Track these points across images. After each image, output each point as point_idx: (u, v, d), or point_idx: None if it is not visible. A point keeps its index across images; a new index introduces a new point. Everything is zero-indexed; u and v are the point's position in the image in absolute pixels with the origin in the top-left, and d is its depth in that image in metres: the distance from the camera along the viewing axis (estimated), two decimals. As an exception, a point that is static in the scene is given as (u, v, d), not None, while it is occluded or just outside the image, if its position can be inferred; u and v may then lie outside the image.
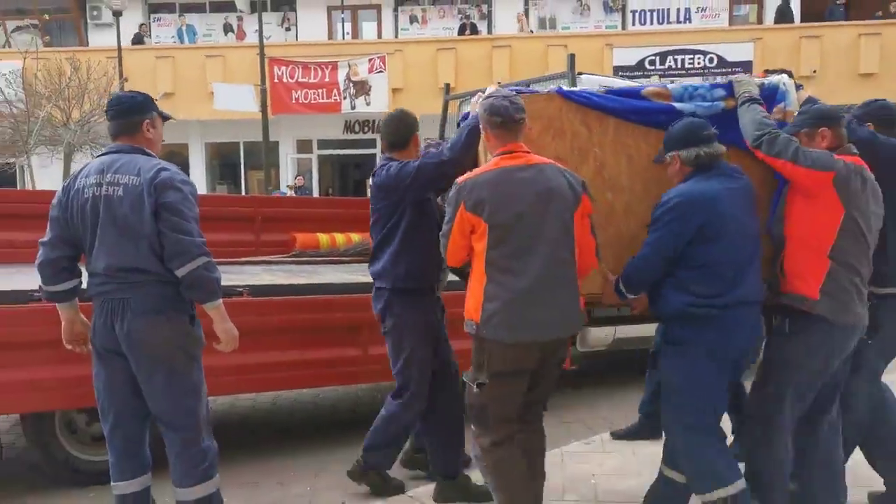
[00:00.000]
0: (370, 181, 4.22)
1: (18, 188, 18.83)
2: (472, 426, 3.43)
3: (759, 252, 3.43)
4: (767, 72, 4.06)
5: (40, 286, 3.34)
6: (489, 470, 3.39)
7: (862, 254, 3.35)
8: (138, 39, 23.17)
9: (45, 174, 14.46)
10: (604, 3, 23.99)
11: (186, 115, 20.60)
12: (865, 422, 3.81)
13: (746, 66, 20.52)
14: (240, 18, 24.12)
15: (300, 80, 19.40)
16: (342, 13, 23.43)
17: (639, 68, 20.30)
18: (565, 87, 4.10)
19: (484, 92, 3.77)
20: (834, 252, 3.30)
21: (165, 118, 3.48)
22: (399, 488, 4.25)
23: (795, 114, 3.72)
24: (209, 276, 3.20)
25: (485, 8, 24.41)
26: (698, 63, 20.81)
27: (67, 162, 14.43)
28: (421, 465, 4.51)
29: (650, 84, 4.22)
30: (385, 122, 4.13)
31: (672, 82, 4.22)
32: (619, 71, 19.35)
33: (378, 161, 4.14)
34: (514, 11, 23.97)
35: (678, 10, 23.43)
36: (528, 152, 3.31)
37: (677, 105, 3.80)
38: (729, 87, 3.82)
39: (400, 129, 4.05)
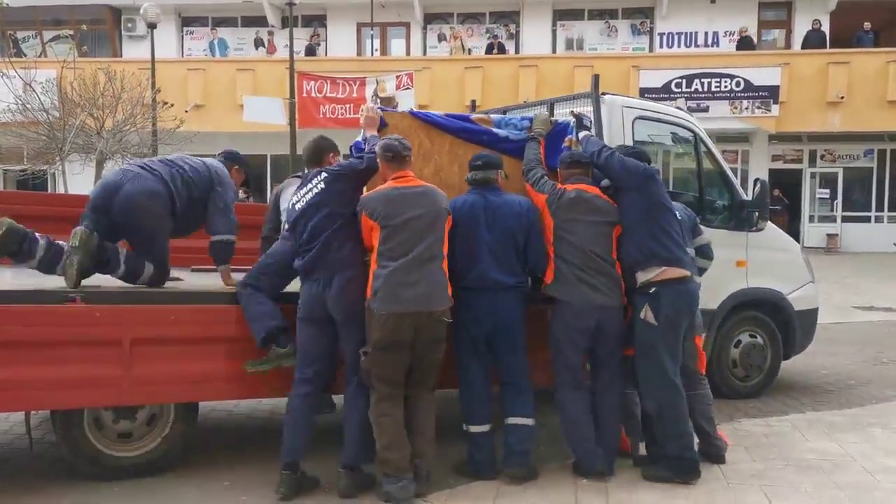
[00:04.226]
0: (320, 181, 4.50)
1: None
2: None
3: (501, 251, 4.50)
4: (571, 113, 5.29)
5: None
6: (374, 420, 4.28)
7: (577, 252, 4.54)
8: (310, 50, 23.39)
9: (75, 181, 14.69)
10: (631, 25, 24.08)
11: (216, 127, 20.92)
12: (654, 403, 4.56)
13: (773, 91, 20.48)
14: (270, 33, 24.46)
15: (328, 94, 19.57)
16: (371, 30, 23.70)
17: (665, 91, 20.23)
18: (588, 108, 5.36)
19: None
20: (555, 250, 4.60)
21: None
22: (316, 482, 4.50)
23: (577, 141, 5.09)
24: None
25: (513, 28, 24.59)
26: (725, 87, 20.59)
27: (99, 170, 14.60)
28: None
29: (478, 113, 5.68)
30: (308, 145, 4.86)
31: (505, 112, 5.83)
32: (644, 93, 19.35)
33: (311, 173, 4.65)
34: (543, 31, 24.13)
35: (706, 33, 23.39)
36: (414, 177, 4.42)
37: (495, 130, 5.12)
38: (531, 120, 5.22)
39: (317, 150, 4.81)
